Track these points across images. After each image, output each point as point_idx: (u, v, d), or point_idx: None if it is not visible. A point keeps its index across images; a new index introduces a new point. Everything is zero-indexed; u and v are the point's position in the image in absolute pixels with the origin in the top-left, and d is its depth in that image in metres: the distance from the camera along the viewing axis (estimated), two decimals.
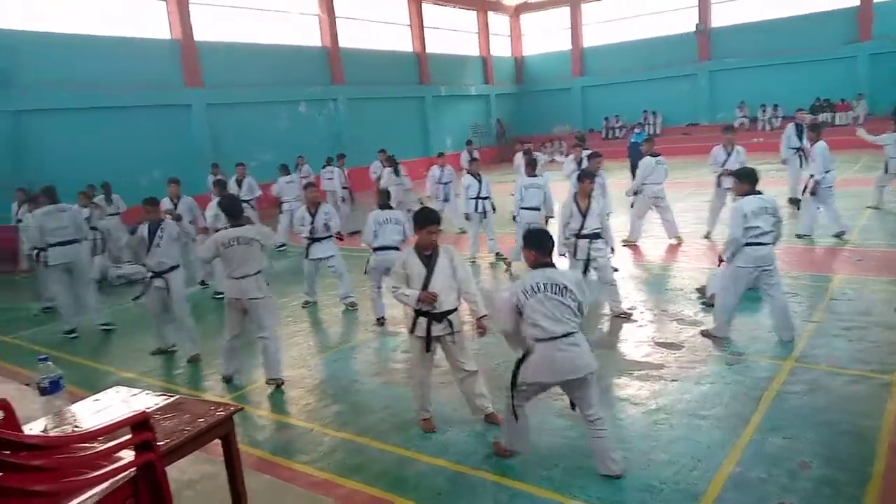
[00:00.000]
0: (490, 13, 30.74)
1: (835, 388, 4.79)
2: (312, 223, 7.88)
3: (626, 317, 6.78)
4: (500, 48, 32.03)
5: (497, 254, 10.01)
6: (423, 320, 4.43)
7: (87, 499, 2.21)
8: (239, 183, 12.44)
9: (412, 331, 4.52)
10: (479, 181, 9.88)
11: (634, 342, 6.15)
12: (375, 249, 7.14)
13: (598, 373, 3.89)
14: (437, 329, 4.44)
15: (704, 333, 6.07)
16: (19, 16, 14.41)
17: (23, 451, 2.07)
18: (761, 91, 25.49)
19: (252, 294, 5.57)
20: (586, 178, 6.88)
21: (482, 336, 4.63)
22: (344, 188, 14.56)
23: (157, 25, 17.26)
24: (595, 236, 6.79)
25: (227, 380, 5.99)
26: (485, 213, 9.90)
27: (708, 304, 6.76)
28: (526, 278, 3.82)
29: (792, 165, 12.03)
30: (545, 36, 32.19)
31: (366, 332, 7.22)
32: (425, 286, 4.35)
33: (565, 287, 3.73)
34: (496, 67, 31.07)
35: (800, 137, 11.82)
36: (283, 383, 5.76)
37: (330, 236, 8.03)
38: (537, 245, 3.89)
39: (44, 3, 14.88)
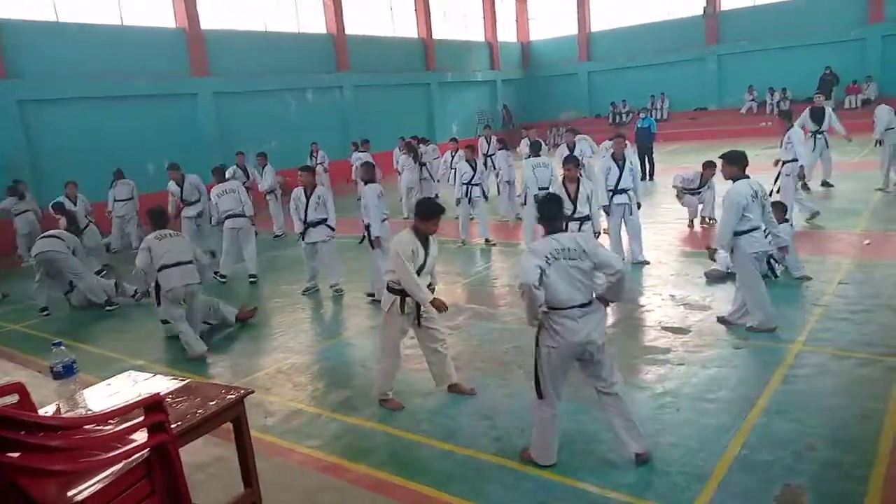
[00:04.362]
0: None
1: (841, 371, 4.81)
2: (306, 207, 7.99)
3: None
4: (507, 33, 31.79)
5: (487, 239, 10.37)
6: (410, 300, 4.65)
7: (104, 479, 2.26)
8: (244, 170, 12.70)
9: (401, 311, 4.70)
10: (474, 168, 10.34)
11: (640, 327, 6.16)
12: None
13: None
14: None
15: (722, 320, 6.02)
16: (23, 5, 14.39)
17: (39, 433, 2.11)
18: (770, 75, 25.16)
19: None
20: (569, 163, 7.18)
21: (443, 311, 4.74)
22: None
23: (163, 14, 17.23)
24: (585, 219, 7.13)
25: None
26: (470, 199, 10.36)
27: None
28: (543, 244, 3.69)
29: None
30: (552, 20, 31.93)
31: (369, 318, 7.26)
32: (421, 268, 4.62)
33: (584, 251, 3.63)
34: (502, 53, 30.82)
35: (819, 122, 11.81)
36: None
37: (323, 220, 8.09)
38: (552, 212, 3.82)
39: None
